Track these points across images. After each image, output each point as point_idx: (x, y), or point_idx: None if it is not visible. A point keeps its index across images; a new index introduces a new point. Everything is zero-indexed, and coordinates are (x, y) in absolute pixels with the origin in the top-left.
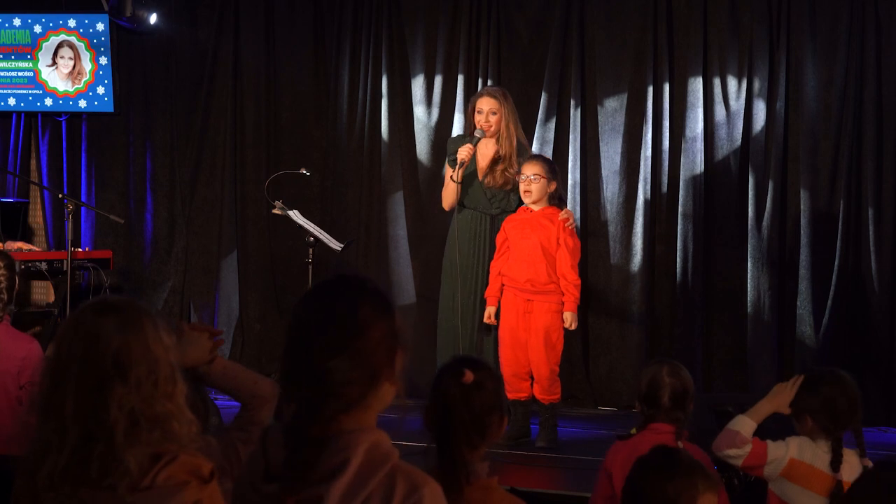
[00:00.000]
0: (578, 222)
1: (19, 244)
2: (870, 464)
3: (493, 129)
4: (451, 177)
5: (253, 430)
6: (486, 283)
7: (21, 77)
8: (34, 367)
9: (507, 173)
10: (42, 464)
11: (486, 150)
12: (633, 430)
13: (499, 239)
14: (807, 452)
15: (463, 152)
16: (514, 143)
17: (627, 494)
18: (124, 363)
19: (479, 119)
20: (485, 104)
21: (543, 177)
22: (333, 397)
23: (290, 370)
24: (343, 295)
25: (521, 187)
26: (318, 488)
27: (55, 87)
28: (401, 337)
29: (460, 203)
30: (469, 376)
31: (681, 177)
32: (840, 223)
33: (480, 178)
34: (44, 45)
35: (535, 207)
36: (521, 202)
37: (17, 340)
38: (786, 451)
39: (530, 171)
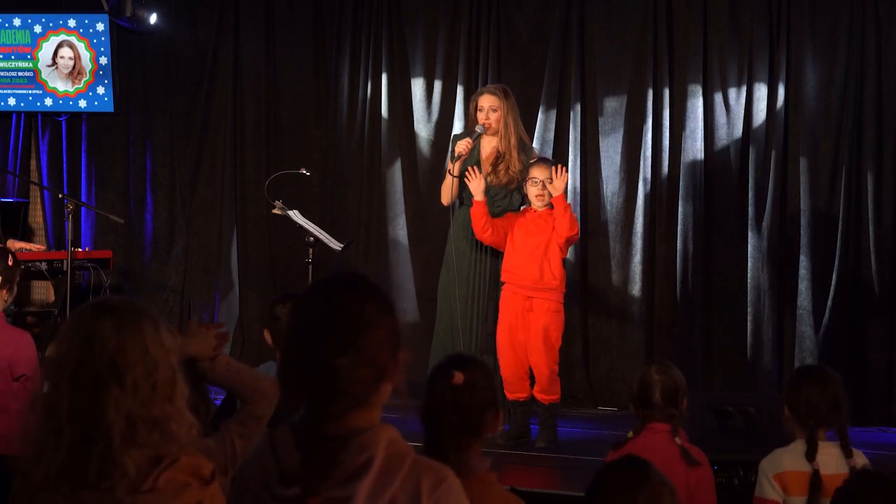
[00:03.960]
0: (579, 223)
1: (21, 244)
2: (857, 464)
3: (493, 126)
4: (450, 171)
5: (251, 425)
6: (485, 282)
7: (21, 77)
8: (28, 360)
9: (510, 171)
10: (38, 464)
11: (488, 148)
12: (630, 434)
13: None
14: (783, 460)
15: (461, 146)
16: (515, 140)
17: (591, 499)
18: (120, 365)
19: (479, 116)
20: (485, 101)
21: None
22: (341, 396)
23: (295, 369)
24: (347, 293)
25: (534, 192)
26: (343, 489)
27: (55, 87)
28: (402, 335)
29: (461, 200)
30: (459, 378)
31: (681, 177)
32: (840, 223)
33: (483, 175)
34: (44, 45)
35: (539, 208)
36: (523, 202)
37: (6, 332)
38: (768, 481)
39: (542, 175)
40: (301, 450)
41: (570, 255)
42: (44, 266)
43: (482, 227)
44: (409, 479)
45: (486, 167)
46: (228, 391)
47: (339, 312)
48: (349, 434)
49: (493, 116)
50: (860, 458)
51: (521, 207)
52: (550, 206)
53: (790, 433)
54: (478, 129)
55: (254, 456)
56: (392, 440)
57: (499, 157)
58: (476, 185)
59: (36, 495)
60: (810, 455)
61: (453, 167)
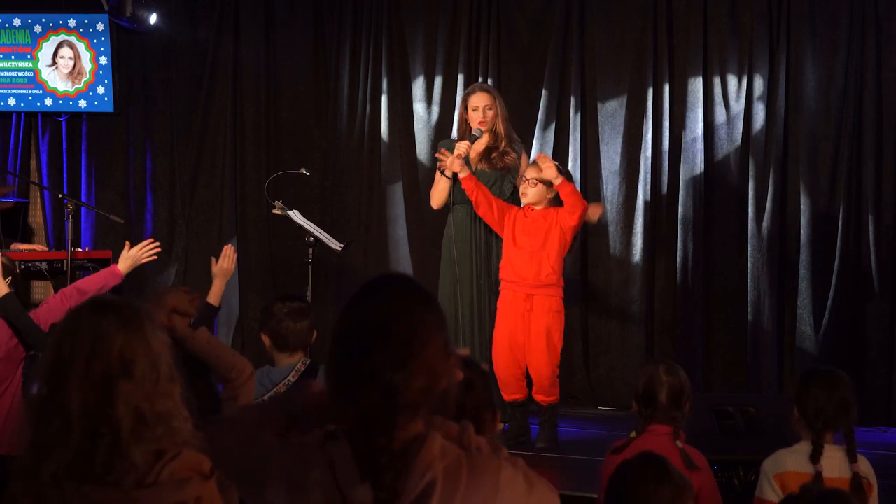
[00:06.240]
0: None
1: (24, 246)
2: (860, 469)
3: (489, 124)
4: (444, 172)
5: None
6: (483, 283)
7: (21, 77)
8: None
9: (505, 159)
10: (45, 463)
11: (476, 145)
12: (633, 434)
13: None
14: (786, 461)
15: (461, 147)
16: (505, 133)
17: (612, 498)
18: (129, 360)
19: (474, 116)
20: (479, 101)
21: (541, 183)
22: (399, 409)
23: (348, 383)
24: (401, 307)
25: (521, 189)
26: None
27: (55, 87)
28: (451, 340)
29: (453, 201)
30: (459, 375)
31: (681, 177)
32: (840, 223)
33: (473, 168)
34: (44, 45)
35: (538, 207)
36: (515, 189)
37: None
38: (768, 482)
39: (531, 174)
40: (365, 476)
41: (570, 253)
42: (44, 266)
43: (475, 199)
44: (471, 488)
45: (476, 160)
46: (205, 364)
47: (392, 333)
48: (408, 449)
49: (489, 114)
50: (864, 464)
51: (517, 200)
52: (550, 203)
53: (797, 434)
54: (475, 132)
55: (306, 466)
56: (443, 450)
57: (491, 149)
58: (452, 162)
59: (41, 492)
60: (815, 457)
61: (448, 168)
